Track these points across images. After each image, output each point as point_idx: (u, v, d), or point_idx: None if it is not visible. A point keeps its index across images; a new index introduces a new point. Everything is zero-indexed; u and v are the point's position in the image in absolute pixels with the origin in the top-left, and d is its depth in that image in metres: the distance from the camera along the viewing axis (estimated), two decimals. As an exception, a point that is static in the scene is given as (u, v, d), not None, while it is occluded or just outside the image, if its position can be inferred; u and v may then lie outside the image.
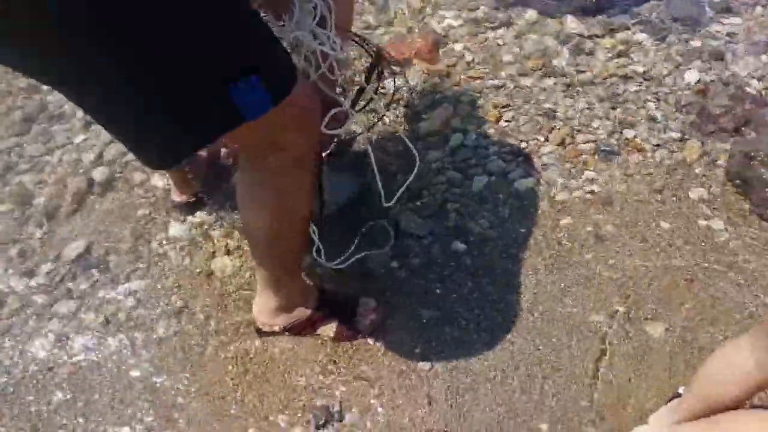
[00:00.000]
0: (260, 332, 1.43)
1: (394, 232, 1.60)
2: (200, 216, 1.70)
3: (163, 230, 1.68)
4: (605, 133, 1.92)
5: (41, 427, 1.32)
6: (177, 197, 1.69)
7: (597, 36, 2.27)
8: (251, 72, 0.83)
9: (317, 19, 1.10)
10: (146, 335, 1.47)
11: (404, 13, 2.37)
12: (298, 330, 1.42)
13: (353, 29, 1.78)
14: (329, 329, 1.42)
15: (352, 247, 1.53)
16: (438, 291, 1.53)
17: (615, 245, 1.62)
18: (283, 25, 1.12)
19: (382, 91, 1.57)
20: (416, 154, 1.32)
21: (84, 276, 1.58)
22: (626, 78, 2.10)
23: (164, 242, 1.66)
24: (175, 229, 1.68)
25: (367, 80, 1.39)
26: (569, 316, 1.48)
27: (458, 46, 2.23)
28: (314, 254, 1.45)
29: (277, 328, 1.41)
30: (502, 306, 1.51)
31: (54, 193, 1.76)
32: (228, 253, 1.63)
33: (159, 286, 1.56)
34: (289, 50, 1.16)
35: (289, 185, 1.09)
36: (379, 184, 1.25)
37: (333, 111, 1.15)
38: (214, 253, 1.63)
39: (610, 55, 2.19)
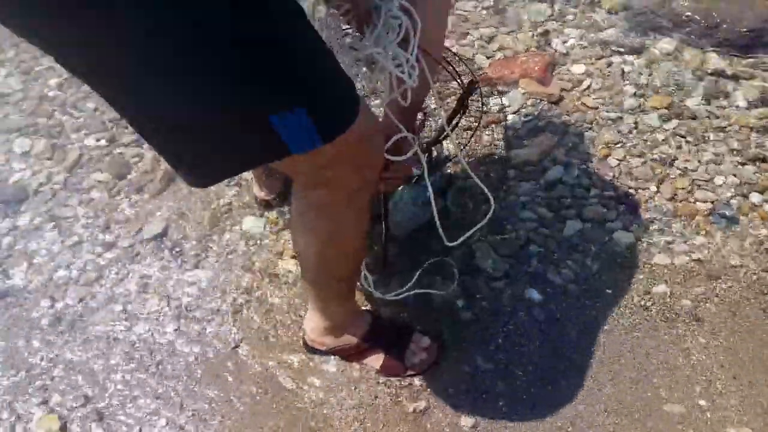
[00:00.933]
0: (307, 347, 1.40)
1: (458, 273, 1.49)
2: (277, 214, 1.69)
3: (239, 223, 1.69)
4: (729, 193, 1.68)
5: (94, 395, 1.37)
6: (258, 192, 1.69)
7: (742, 77, 2.00)
8: (297, 104, 0.76)
9: (400, 37, 1.01)
10: (199, 328, 1.48)
11: (525, 27, 2.21)
12: (344, 354, 1.37)
13: (453, 45, 1.68)
14: (376, 360, 1.35)
15: (410, 283, 1.45)
16: (500, 341, 1.41)
17: (712, 328, 1.42)
18: (362, 39, 1.04)
19: (467, 122, 1.45)
20: (491, 199, 1.21)
21: (156, 256, 1.62)
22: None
23: (237, 234, 1.66)
24: (250, 223, 1.68)
25: (454, 112, 1.28)
26: (642, 400, 1.32)
27: (577, 69, 2.05)
28: (363, 281, 1.38)
29: (324, 348, 1.36)
30: (568, 371, 1.37)
31: (148, 168, 1.82)
32: (295, 256, 1.60)
33: (223, 279, 1.57)
34: (363, 67, 1.09)
35: (340, 219, 1.02)
36: (439, 228, 1.14)
37: (393, 138, 1.07)
38: (282, 253, 1.61)
39: (753, 100, 1.92)
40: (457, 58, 1.40)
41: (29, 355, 1.44)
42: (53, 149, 1.88)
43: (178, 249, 1.63)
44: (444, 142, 1.56)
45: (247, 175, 1.76)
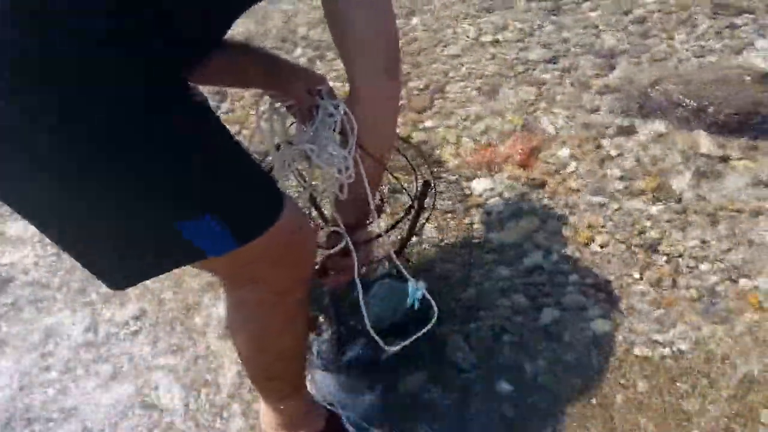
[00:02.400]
0: None
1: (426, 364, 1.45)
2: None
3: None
4: (716, 279, 1.62)
5: None
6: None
7: (732, 158, 1.97)
8: (205, 211, 0.77)
9: (335, 132, 1.03)
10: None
11: (513, 108, 2.24)
12: None
13: (438, 126, 1.69)
14: None
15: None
16: (466, 438, 1.36)
17: (698, 425, 1.33)
18: (301, 134, 1.07)
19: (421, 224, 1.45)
20: (435, 309, 1.17)
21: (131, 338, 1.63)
22: (758, 214, 1.78)
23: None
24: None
25: (409, 210, 1.29)
26: None
27: (563, 152, 2.05)
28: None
29: None
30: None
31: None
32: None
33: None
34: (301, 162, 1.11)
35: (267, 320, 1.02)
36: (374, 335, 1.10)
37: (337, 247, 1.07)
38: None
39: (744, 183, 1.88)
40: (413, 152, 1.42)
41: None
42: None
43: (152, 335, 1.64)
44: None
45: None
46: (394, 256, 1.18)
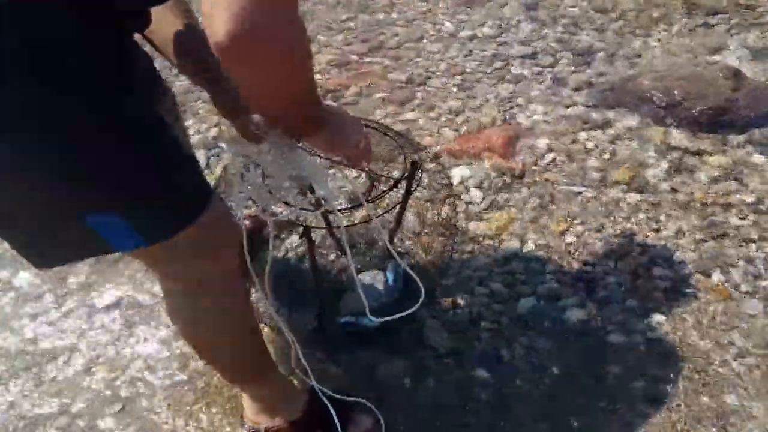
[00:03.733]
0: (246, 426, 1.35)
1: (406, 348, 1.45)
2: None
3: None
4: (689, 269, 1.66)
5: None
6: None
7: (704, 152, 2.01)
8: (109, 209, 0.79)
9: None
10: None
11: (491, 102, 2.26)
12: None
13: (420, 117, 1.67)
14: None
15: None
16: (438, 424, 1.36)
17: (668, 410, 1.36)
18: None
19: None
20: (422, 288, 1.18)
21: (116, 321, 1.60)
22: (729, 206, 1.83)
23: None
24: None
25: (395, 185, 1.30)
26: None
27: (541, 143, 2.08)
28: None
29: (258, 428, 1.32)
30: (514, 456, 1.31)
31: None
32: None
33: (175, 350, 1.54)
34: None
35: (195, 307, 1.02)
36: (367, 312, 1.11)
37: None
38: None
39: (715, 176, 1.93)
40: (399, 136, 1.42)
41: None
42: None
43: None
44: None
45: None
46: (386, 240, 1.18)
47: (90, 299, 1.65)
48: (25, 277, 1.70)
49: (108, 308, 1.63)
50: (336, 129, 0.96)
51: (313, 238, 1.32)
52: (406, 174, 1.33)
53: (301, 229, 1.38)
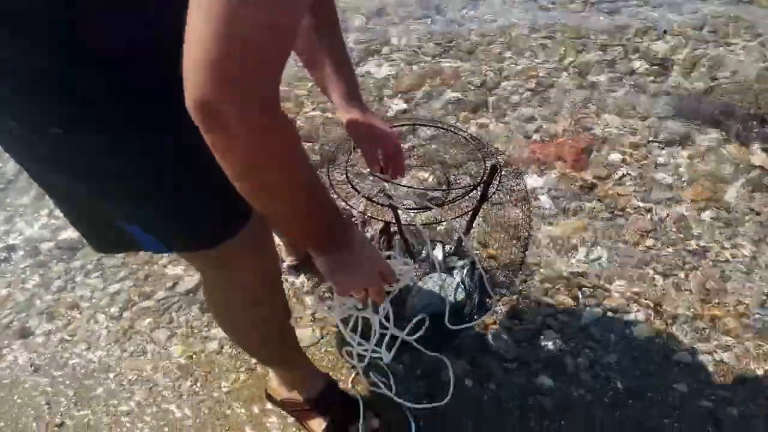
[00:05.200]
0: (266, 394, 1.45)
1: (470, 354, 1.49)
2: (300, 279, 1.75)
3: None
4: (764, 291, 1.62)
5: None
6: (285, 257, 1.77)
7: (787, 172, 1.95)
8: (130, 221, 0.89)
9: None
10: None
11: (565, 111, 2.26)
12: (290, 409, 1.41)
13: (491, 122, 1.69)
14: (318, 425, 1.37)
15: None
16: (501, 424, 1.39)
17: (734, 436, 1.35)
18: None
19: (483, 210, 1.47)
20: (493, 296, 1.20)
21: (188, 309, 1.70)
22: (811, 230, 1.77)
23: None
24: (278, 284, 1.75)
25: (471, 190, 1.32)
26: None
27: (615, 156, 2.06)
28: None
29: (277, 398, 1.41)
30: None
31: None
32: (314, 320, 1.65)
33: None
34: None
35: (229, 295, 1.11)
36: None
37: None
38: (299, 319, 1.66)
39: (797, 198, 1.87)
40: (475, 140, 1.44)
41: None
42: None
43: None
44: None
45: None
46: (463, 236, 1.21)
47: (174, 283, 1.76)
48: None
49: (190, 292, 1.74)
50: (346, 259, 0.88)
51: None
52: (483, 178, 1.36)
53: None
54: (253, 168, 0.66)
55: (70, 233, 1.91)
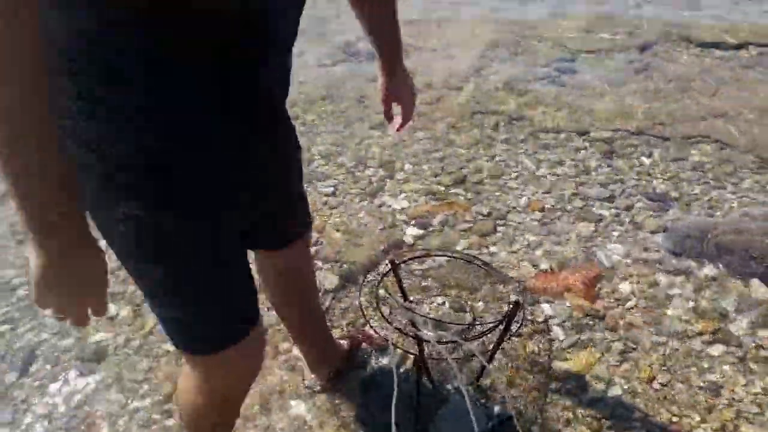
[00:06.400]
0: None
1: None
2: (325, 399, 1.76)
3: (286, 407, 1.76)
4: (781, 430, 1.65)
5: None
6: (309, 376, 1.79)
7: (789, 308, 2.04)
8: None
9: None
10: None
11: (572, 240, 2.38)
12: None
13: (501, 250, 1.79)
14: None
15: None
16: None
17: None
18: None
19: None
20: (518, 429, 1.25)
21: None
22: (818, 366, 1.83)
23: (283, 418, 1.73)
24: (298, 408, 1.75)
25: (497, 326, 1.40)
26: None
27: (623, 286, 2.15)
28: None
29: None
30: None
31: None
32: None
33: (264, 463, 1.61)
34: None
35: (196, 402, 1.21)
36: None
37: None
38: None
39: (801, 334, 1.94)
40: (494, 270, 1.54)
41: None
42: (135, 316, 2.08)
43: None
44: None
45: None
46: (486, 364, 1.26)
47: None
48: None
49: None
50: (45, 266, 0.73)
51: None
52: (508, 313, 1.44)
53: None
54: None
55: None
